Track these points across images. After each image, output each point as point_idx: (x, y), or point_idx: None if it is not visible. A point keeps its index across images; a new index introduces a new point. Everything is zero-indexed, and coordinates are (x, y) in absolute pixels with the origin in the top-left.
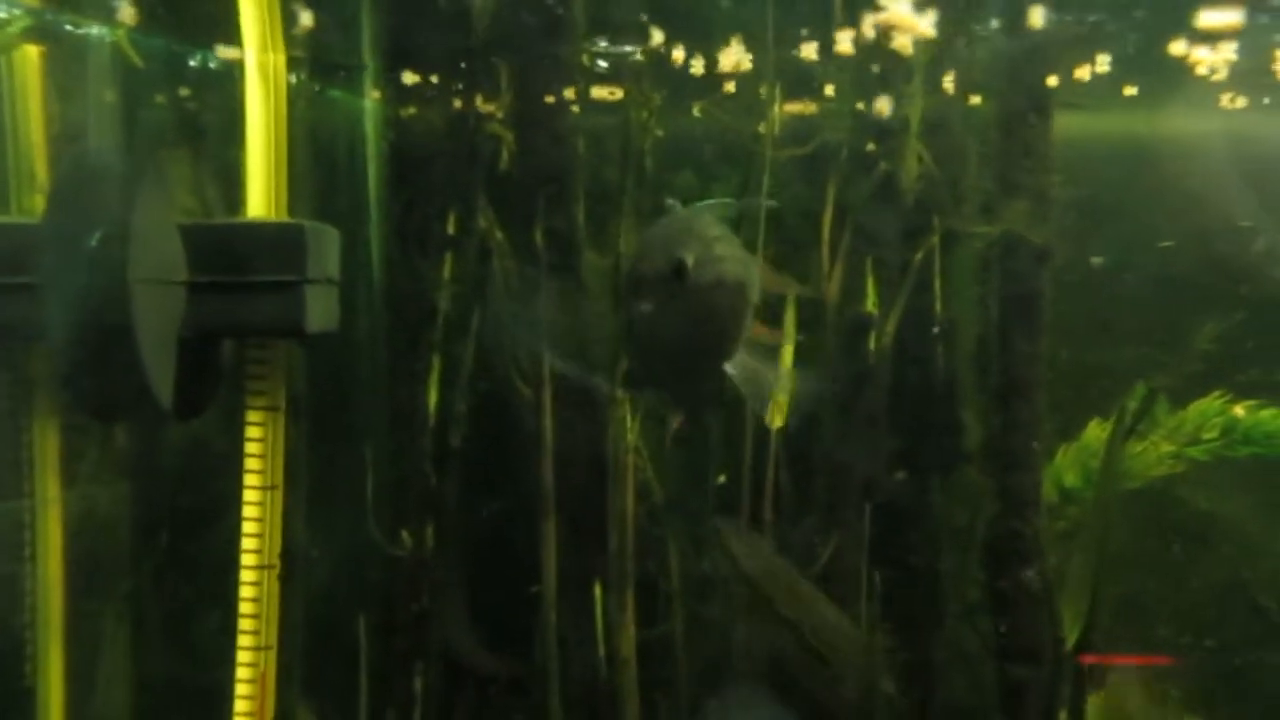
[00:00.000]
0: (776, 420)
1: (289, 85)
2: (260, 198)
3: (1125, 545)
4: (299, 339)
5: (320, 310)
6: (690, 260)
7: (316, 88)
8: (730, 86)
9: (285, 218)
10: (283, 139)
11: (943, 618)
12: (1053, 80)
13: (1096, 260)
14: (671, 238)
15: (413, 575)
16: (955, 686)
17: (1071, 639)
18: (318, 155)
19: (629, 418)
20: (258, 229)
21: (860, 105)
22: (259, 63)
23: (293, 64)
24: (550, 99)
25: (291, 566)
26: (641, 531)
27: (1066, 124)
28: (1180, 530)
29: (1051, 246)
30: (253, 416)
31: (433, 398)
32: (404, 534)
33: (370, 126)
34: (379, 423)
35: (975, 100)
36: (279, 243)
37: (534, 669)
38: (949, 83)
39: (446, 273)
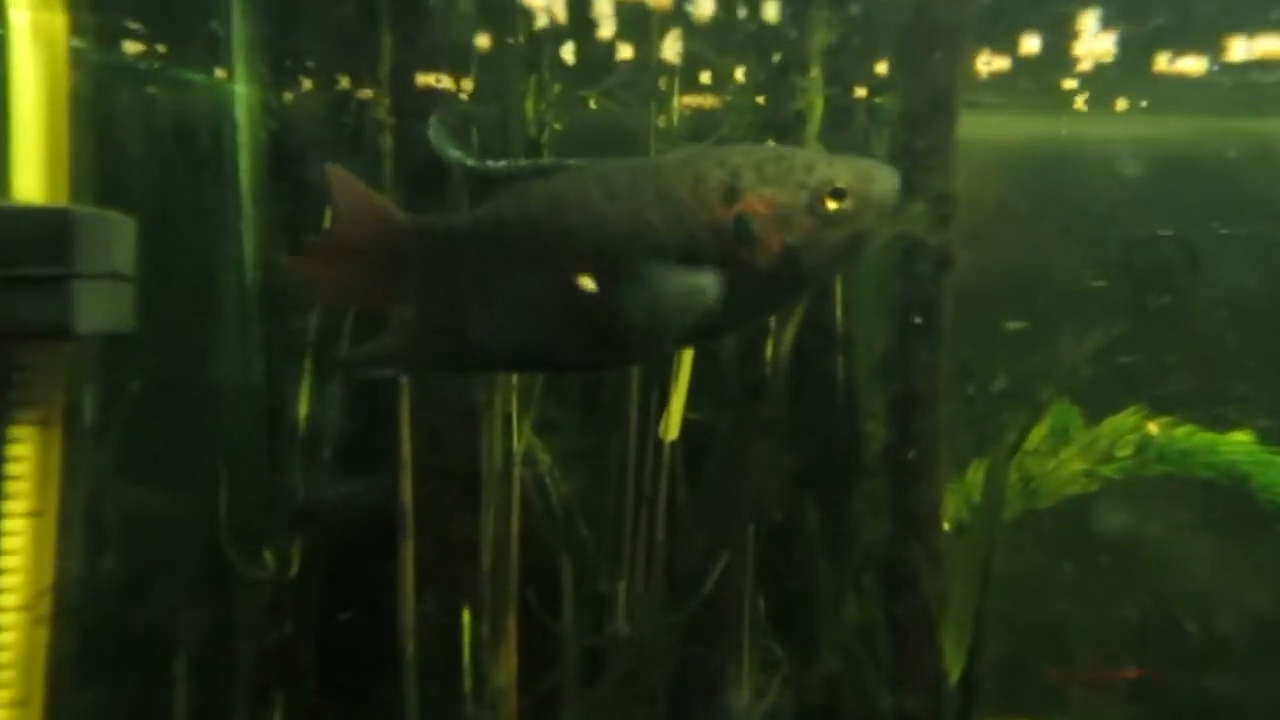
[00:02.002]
0: (671, 433)
1: (112, 60)
2: (32, 180)
3: (1042, 566)
4: (68, 341)
5: (100, 310)
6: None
7: (156, 66)
8: (628, 78)
9: (65, 204)
10: (62, 113)
11: (832, 641)
12: (960, 77)
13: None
14: (778, 158)
15: (275, 599)
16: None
17: (955, 671)
18: (174, 142)
19: (516, 427)
20: (13, 215)
21: (760, 99)
22: (33, 24)
23: (113, 37)
24: (433, 87)
25: (64, 603)
26: (532, 550)
27: (977, 124)
28: (1101, 550)
29: (953, 251)
30: (15, 432)
31: (303, 406)
32: (266, 554)
33: (242, 113)
34: (244, 432)
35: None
36: (40, 231)
37: (394, 704)
38: (850, 77)
39: None
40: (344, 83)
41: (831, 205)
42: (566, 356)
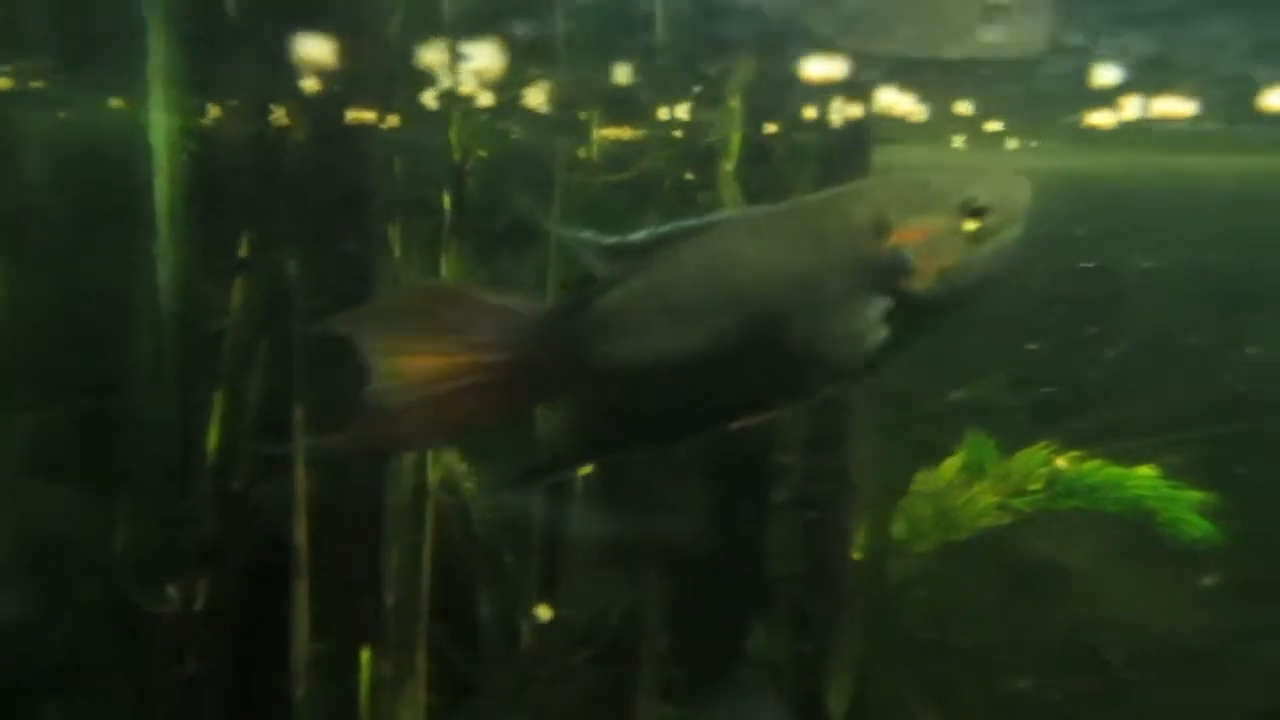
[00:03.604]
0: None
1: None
2: None
3: (966, 595)
4: None
5: None
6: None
7: (67, 91)
8: (550, 107)
9: None
10: None
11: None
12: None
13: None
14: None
15: (180, 636)
16: None
17: (840, 708)
18: (85, 167)
19: (431, 457)
20: None
21: (679, 133)
22: None
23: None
24: (351, 113)
25: None
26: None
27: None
28: (1023, 579)
29: None
30: None
31: (214, 436)
32: (169, 589)
33: (158, 137)
34: (152, 463)
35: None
36: None
37: None
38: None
39: (237, 299)
40: (265, 108)
41: (975, 224)
42: (744, 408)
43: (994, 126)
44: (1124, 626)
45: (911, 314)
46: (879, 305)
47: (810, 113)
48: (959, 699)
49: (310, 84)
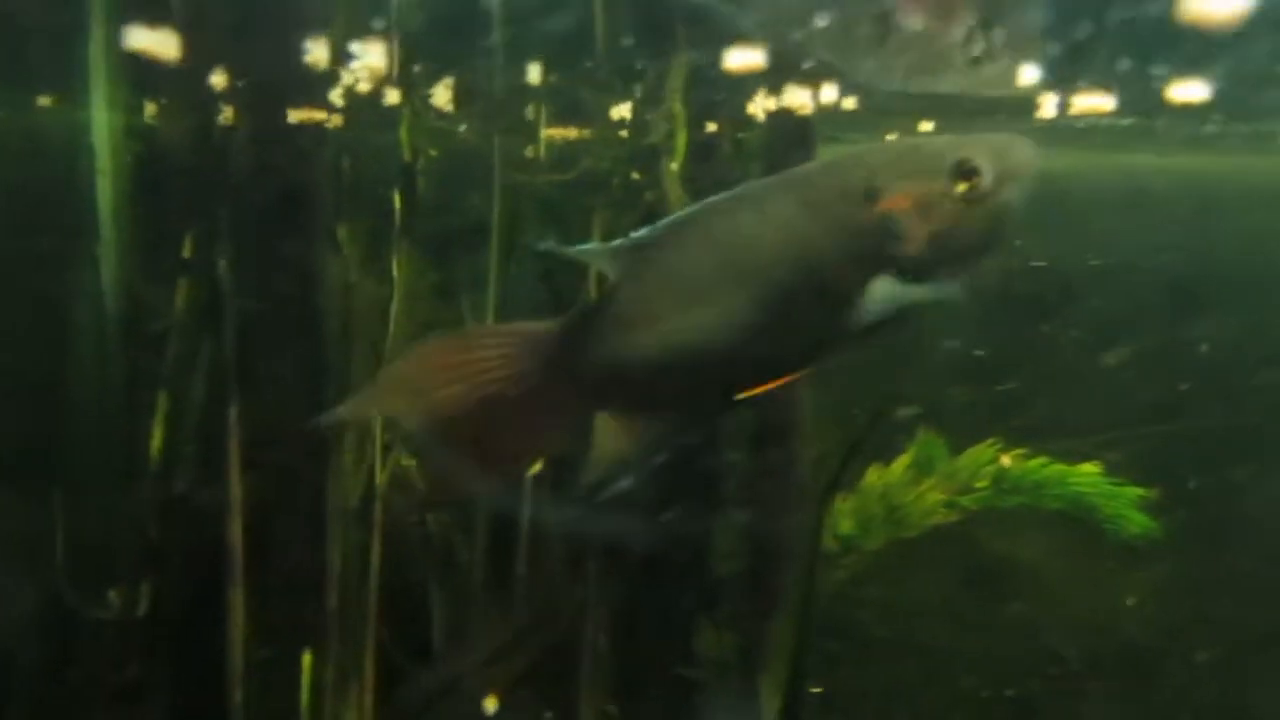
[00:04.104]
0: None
1: None
2: None
3: (922, 592)
4: None
5: None
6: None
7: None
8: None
9: None
10: None
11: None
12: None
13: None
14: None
15: (120, 640)
16: None
17: (773, 707)
18: (21, 167)
19: (379, 457)
20: None
21: (624, 132)
22: None
23: None
24: (292, 111)
25: None
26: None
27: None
28: (978, 576)
29: None
30: None
31: (157, 439)
32: (111, 594)
33: (99, 137)
34: (96, 466)
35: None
36: None
37: None
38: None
39: (180, 301)
40: (210, 107)
41: (967, 185)
42: (758, 383)
43: (926, 126)
44: (1076, 623)
45: (906, 281)
46: (874, 273)
47: (754, 110)
48: (913, 696)
49: (254, 82)
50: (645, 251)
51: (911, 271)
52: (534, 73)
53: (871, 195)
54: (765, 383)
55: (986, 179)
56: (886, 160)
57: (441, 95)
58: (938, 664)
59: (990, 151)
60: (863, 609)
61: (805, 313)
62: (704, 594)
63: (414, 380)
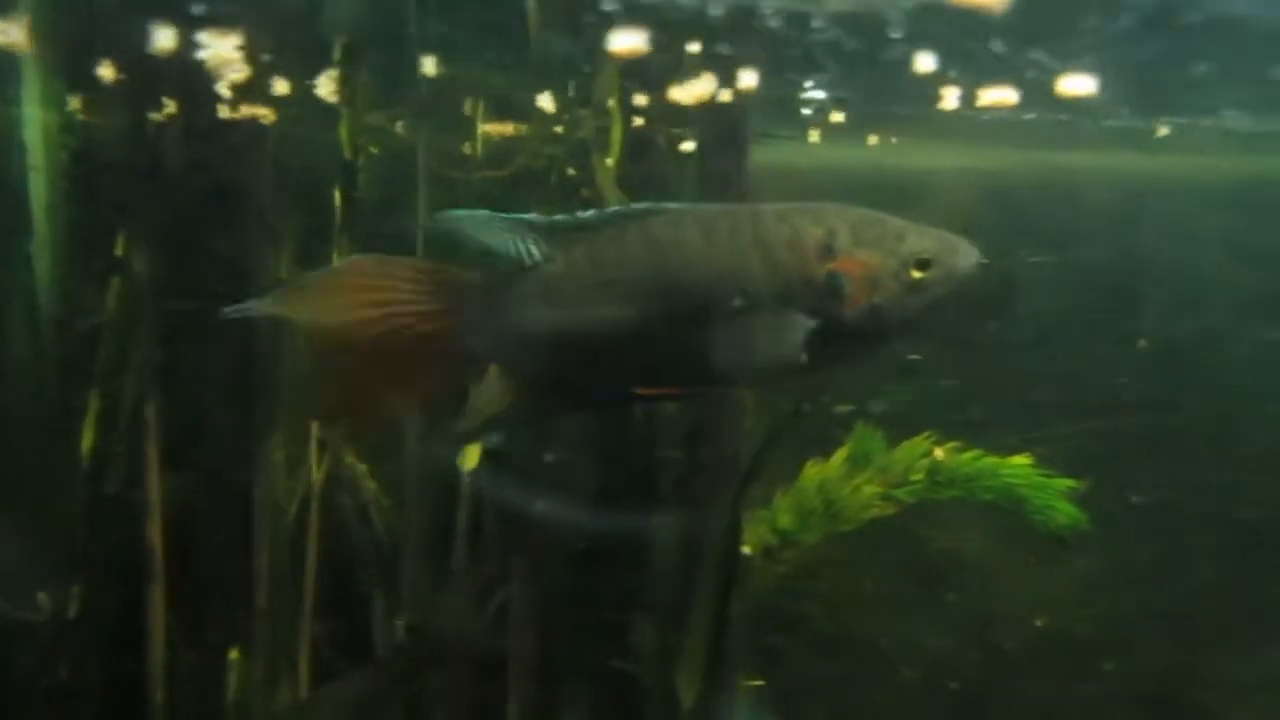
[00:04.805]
0: (470, 461)
1: None
2: None
3: (867, 587)
4: None
5: None
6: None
7: None
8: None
9: None
10: None
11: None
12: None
13: None
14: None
15: (52, 643)
16: None
17: (689, 698)
18: None
19: (315, 458)
20: None
21: (560, 129)
22: None
23: None
24: (222, 108)
25: None
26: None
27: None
28: (923, 571)
29: None
30: None
31: (88, 439)
32: (41, 596)
33: (32, 134)
34: (25, 465)
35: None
36: None
37: None
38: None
39: (113, 299)
40: (145, 104)
41: (918, 274)
42: (658, 389)
43: (839, 118)
44: (1018, 616)
45: (831, 338)
46: (806, 322)
47: (687, 105)
48: (858, 688)
49: (189, 80)
50: (583, 234)
51: (835, 331)
52: (467, 69)
53: (826, 252)
54: (661, 391)
55: (935, 273)
56: (848, 224)
57: (376, 92)
58: (882, 657)
59: (944, 248)
60: (808, 603)
61: (720, 336)
62: (638, 588)
63: (335, 292)
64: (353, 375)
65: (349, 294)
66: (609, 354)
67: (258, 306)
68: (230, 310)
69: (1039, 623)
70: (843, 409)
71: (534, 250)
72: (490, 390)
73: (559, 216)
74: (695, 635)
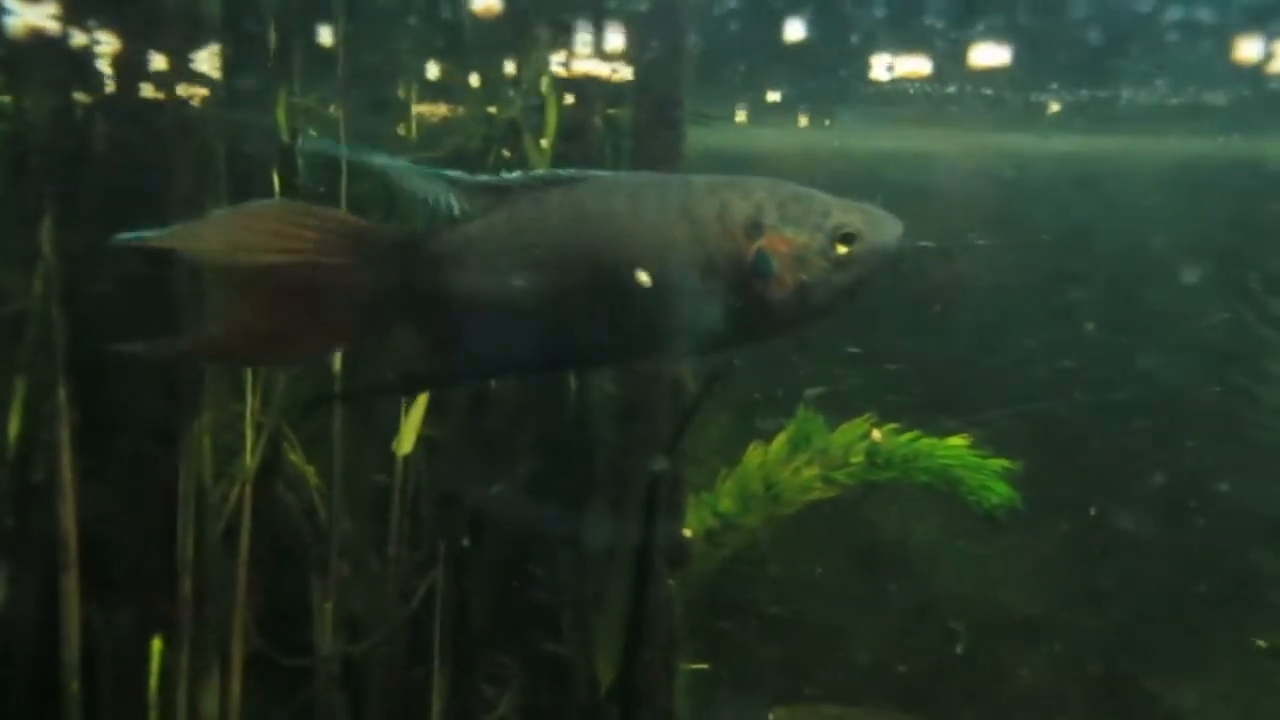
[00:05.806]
0: (405, 446)
1: None
2: None
3: (815, 571)
4: None
5: None
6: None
7: None
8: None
9: None
10: None
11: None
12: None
13: None
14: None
15: None
16: None
17: (607, 678)
18: None
19: (250, 445)
20: None
21: (493, 109)
22: None
23: None
24: (147, 87)
25: None
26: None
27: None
28: (870, 553)
29: None
30: None
31: (14, 426)
32: None
33: None
34: None
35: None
36: None
37: None
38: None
39: (38, 285)
40: (70, 86)
41: (843, 249)
42: (576, 359)
43: (774, 97)
44: (967, 596)
45: (756, 313)
46: (729, 299)
47: (622, 85)
48: (806, 671)
49: (116, 63)
50: (506, 196)
51: (763, 311)
52: (399, 49)
53: (754, 229)
54: (577, 359)
55: (859, 247)
56: (774, 201)
57: (310, 73)
58: (831, 640)
59: (869, 222)
60: (756, 587)
61: (640, 308)
62: (570, 570)
63: (241, 232)
64: (252, 318)
65: (255, 236)
66: (523, 321)
67: (156, 238)
68: (122, 238)
69: (989, 603)
70: (812, 391)
71: (454, 206)
72: (403, 348)
73: (483, 176)
74: (613, 615)
